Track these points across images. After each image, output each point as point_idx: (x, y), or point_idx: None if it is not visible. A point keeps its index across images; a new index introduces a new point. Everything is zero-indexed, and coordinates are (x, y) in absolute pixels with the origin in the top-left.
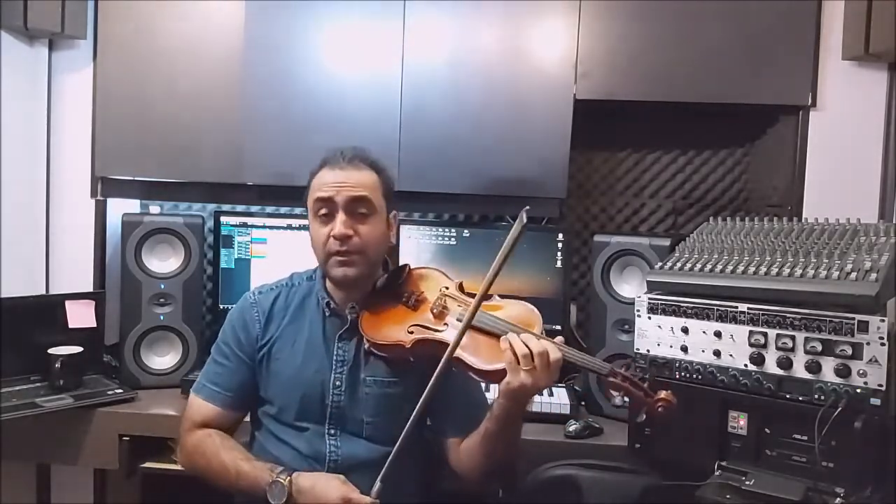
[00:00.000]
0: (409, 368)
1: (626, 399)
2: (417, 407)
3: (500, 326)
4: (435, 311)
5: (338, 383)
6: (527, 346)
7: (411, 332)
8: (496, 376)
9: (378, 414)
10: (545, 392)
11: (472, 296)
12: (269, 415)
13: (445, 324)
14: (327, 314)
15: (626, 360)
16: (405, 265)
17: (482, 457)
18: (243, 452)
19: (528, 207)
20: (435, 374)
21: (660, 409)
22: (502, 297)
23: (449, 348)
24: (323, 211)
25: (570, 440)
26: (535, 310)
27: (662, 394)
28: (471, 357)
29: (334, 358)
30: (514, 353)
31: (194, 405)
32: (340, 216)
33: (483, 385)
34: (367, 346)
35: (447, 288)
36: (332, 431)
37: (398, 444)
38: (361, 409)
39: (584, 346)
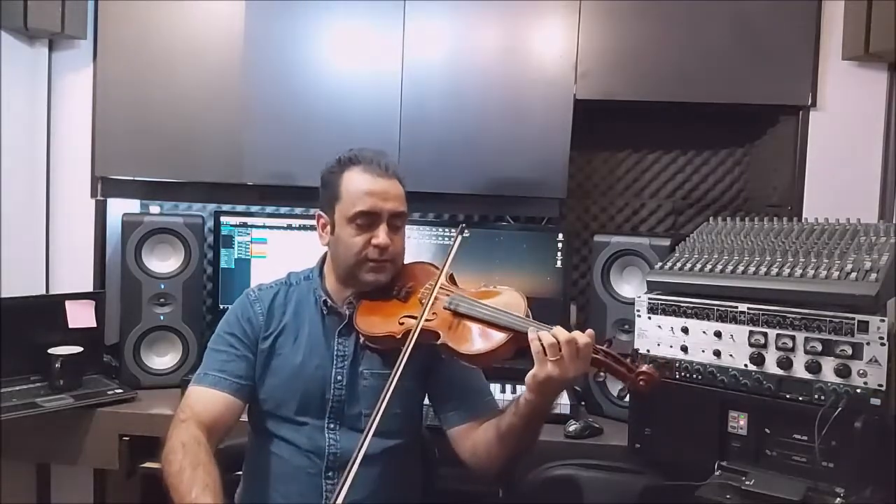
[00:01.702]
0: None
1: (605, 375)
2: (389, 382)
3: (481, 310)
4: (424, 301)
5: (339, 378)
6: (554, 336)
7: (402, 324)
8: (484, 359)
9: (376, 406)
10: None
11: (463, 284)
12: (266, 412)
13: (434, 313)
14: (325, 312)
15: (609, 338)
16: None
17: (503, 451)
18: (216, 486)
19: (463, 225)
20: (404, 349)
21: (641, 383)
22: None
23: (415, 323)
24: (362, 221)
25: (570, 440)
26: (521, 295)
27: (644, 367)
28: (458, 342)
29: (335, 353)
30: (541, 344)
31: (194, 394)
32: (383, 227)
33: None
34: (362, 340)
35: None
36: (332, 426)
37: (371, 425)
38: (360, 403)
39: None
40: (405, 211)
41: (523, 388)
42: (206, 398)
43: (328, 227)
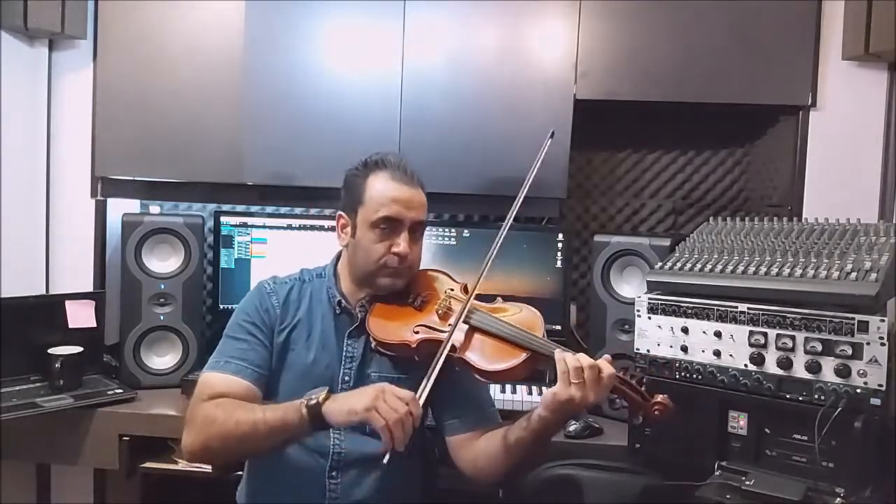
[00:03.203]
0: (414, 363)
1: (620, 401)
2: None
3: (501, 328)
4: (440, 311)
5: (346, 378)
6: (578, 360)
7: (417, 333)
8: (499, 377)
9: None
10: (546, 392)
11: (478, 298)
12: None
13: (450, 324)
14: (338, 312)
15: (625, 364)
16: None
17: (508, 463)
18: (263, 405)
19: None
20: (431, 368)
21: (656, 413)
22: (506, 299)
23: (444, 342)
24: (385, 226)
25: (570, 440)
26: (539, 314)
27: (659, 398)
28: (475, 358)
29: (344, 354)
30: (566, 365)
31: (215, 379)
32: (405, 235)
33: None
34: (373, 344)
35: (452, 290)
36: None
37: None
38: None
39: (584, 346)
40: (426, 220)
41: (524, 389)
42: (228, 383)
43: (348, 229)
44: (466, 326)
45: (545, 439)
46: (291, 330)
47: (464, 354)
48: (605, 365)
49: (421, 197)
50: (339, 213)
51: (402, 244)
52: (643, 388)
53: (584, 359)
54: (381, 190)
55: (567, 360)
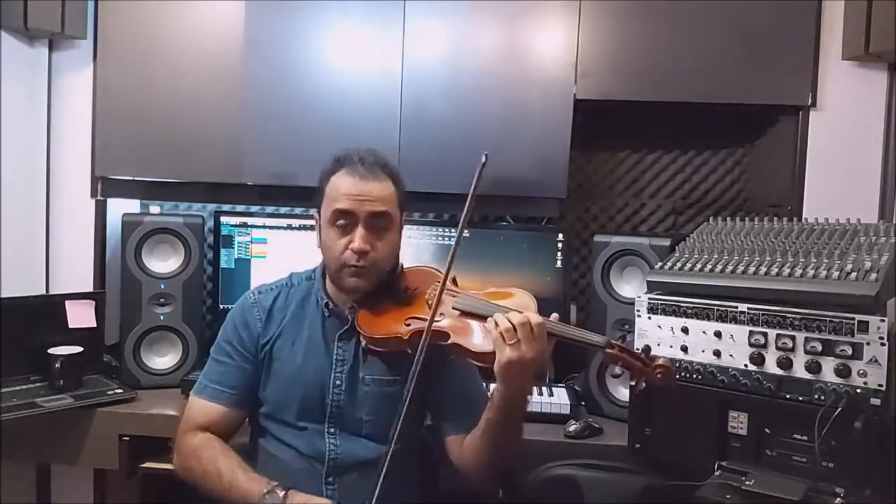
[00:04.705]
0: (407, 365)
1: (624, 369)
2: (407, 385)
3: (489, 308)
4: (430, 302)
5: (338, 382)
6: (509, 320)
7: (408, 325)
8: (492, 359)
9: (377, 412)
10: (545, 392)
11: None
12: (267, 415)
13: (441, 314)
14: (327, 315)
15: (622, 333)
16: (399, 265)
17: (484, 448)
18: (242, 464)
19: (486, 153)
20: (419, 347)
21: (658, 376)
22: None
23: (429, 318)
24: (341, 222)
25: (570, 440)
26: (530, 296)
27: (659, 360)
28: (466, 340)
29: (334, 357)
30: (500, 331)
31: (196, 407)
32: (360, 231)
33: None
34: (364, 343)
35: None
36: (332, 430)
37: (394, 434)
38: (360, 408)
39: None
40: (387, 211)
41: None
42: (207, 411)
43: (319, 229)
44: (457, 312)
45: (512, 416)
46: (275, 340)
47: (457, 340)
48: (532, 316)
49: (383, 190)
50: (315, 212)
51: (357, 240)
52: (643, 355)
53: (513, 317)
54: (335, 186)
55: (499, 322)
